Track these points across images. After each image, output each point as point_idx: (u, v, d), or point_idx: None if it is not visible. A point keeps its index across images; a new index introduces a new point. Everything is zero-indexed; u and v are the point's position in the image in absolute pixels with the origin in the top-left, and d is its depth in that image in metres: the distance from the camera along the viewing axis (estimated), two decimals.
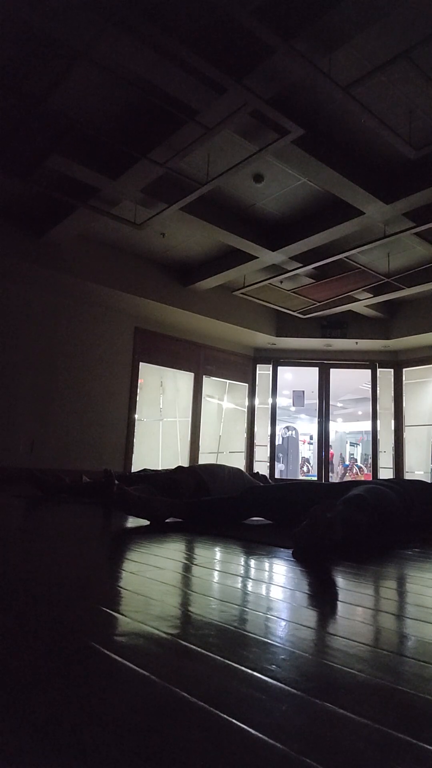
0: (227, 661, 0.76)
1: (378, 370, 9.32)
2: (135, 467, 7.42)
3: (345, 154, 4.66)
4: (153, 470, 4.20)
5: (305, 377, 10.14)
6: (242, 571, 1.52)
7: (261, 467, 9.22)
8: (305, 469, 14.53)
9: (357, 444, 15.69)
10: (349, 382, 10.58)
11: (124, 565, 1.51)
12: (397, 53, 3.39)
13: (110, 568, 1.49)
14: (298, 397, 11.33)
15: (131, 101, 4.10)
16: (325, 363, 9.47)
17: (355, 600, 1.19)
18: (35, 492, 4.09)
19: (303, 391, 11.06)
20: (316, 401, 9.56)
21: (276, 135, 4.06)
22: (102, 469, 3.82)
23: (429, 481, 2.65)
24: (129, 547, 1.83)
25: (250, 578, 1.42)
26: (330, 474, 9.78)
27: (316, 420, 9.74)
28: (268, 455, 9.32)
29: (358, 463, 15.05)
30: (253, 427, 9.47)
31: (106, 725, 0.56)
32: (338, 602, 1.20)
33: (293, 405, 12.05)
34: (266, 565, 1.61)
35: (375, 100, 3.95)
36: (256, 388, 9.57)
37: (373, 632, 0.96)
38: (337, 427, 14.54)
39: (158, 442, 8.74)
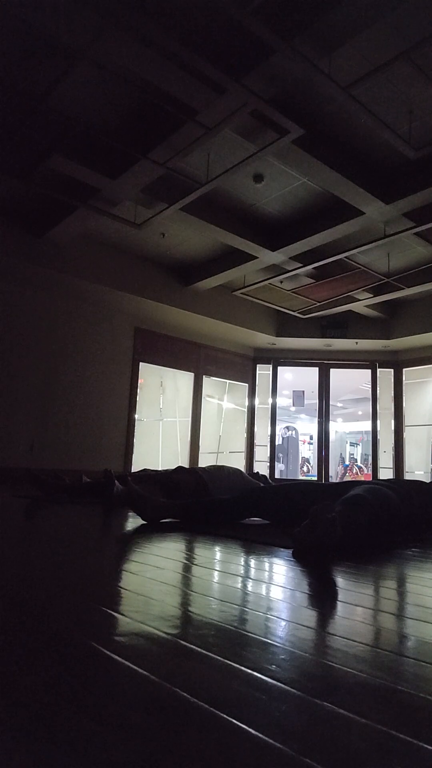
0: (227, 661, 0.76)
1: (378, 370, 9.32)
2: (135, 467, 7.42)
3: (345, 154, 4.66)
4: (153, 470, 4.19)
5: (305, 377, 10.14)
6: (242, 571, 1.52)
7: (261, 467, 9.23)
8: (305, 469, 14.53)
9: (357, 444, 15.69)
10: (349, 382, 10.58)
11: (124, 565, 1.51)
12: (397, 53, 3.39)
13: (110, 568, 1.49)
14: (298, 397, 11.33)
15: (131, 101, 4.10)
16: (325, 363, 9.47)
17: (355, 600, 1.19)
18: (35, 492, 4.09)
19: (303, 391, 11.06)
20: (316, 401, 9.56)
21: (276, 135, 4.06)
22: (102, 469, 3.82)
23: (429, 481, 2.65)
24: (129, 547, 1.83)
25: (250, 578, 1.42)
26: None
27: (316, 420, 9.74)
28: (268, 455, 9.32)
29: (358, 463, 15.05)
30: (253, 427, 9.47)
31: (106, 725, 0.56)
32: (338, 602, 1.20)
33: (293, 405, 12.04)
34: (266, 565, 1.60)
35: (375, 100, 3.95)
36: (256, 388, 9.57)
37: (373, 632, 0.96)
38: (337, 427, 14.54)
39: (158, 442, 8.74)
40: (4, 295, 6.56)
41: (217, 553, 1.78)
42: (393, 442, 9.20)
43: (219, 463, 5.66)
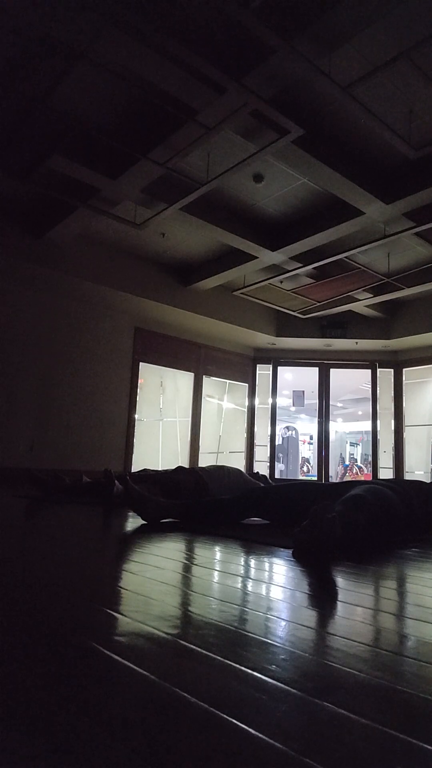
0: (227, 661, 0.76)
1: (378, 370, 9.32)
2: (135, 467, 7.42)
3: (345, 154, 4.66)
4: (153, 470, 4.20)
5: (305, 377, 10.14)
6: (242, 571, 1.52)
7: (261, 467, 9.23)
8: (305, 469, 14.53)
9: (357, 444, 15.68)
10: (349, 382, 10.58)
11: (124, 565, 1.51)
12: (397, 53, 3.39)
13: (110, 568, 1.49)
14: (298, 397, 11.33)
15: (131, 101, 4.10)
16: (325, 363, 9.47)
17: (355, 600, 1.19)
18: (35, 492, 4.09)
19: (303, 391, 11.06)
20: (316, 401, 9.56)
21: (276, 135, 4.06)
22: (102, 470, 3.82)
23: (428, 481, 2.65)
24: (129, 547, 1.83)
25: (250, 578, 1.42)
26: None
27: (316, 420, 9.74)
28: (268, 455, 9.32)
29: (358, 463, 15.05)
30: (253, 427, 9.47)
31: (106, 725, 0.56)
32: (338, 602, 1.20)
33: (293, 405, 12.04)
34: (266, 565, 1.60)
35: (375, 100, 3.95)
36: (256, 388, 9.57)
37: (373, 632, 0.96)
38: (337, 427, 14.53)
39: (158, 442, 8.73)
40: (4, 295, 6.56)
41: (217, 553, 1.78)
42: (393, 442, 9.20)
43: (219, 463, 5.66)
